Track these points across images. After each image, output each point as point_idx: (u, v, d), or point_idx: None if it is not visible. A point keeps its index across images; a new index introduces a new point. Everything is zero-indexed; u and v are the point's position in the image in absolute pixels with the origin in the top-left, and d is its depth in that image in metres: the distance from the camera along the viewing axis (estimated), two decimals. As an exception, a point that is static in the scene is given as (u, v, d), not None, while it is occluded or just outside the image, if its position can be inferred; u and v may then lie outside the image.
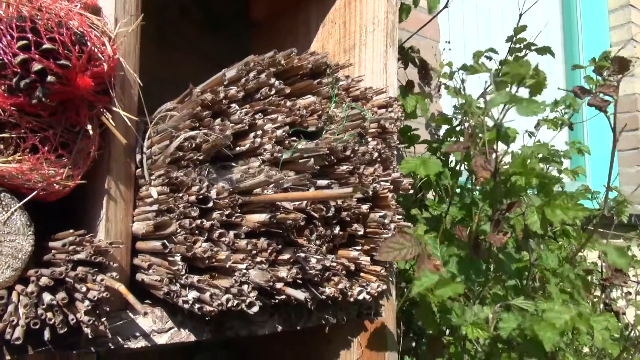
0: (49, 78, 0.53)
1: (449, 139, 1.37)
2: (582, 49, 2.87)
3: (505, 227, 1.01)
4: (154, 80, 1.24)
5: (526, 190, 1.06)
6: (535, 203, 1.00)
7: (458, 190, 1.37)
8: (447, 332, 1.10)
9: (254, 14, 1.28)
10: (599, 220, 1.12)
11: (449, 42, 1.66)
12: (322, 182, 0.70)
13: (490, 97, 1.04)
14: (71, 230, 0.60)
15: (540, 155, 1.45)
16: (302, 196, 0.60)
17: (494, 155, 1.01)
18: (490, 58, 1.38)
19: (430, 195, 1.49)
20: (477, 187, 1.28)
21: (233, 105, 0.68)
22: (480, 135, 1.13)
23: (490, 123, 1.11)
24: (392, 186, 0.80)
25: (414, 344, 1.36)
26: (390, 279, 0.87)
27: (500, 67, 1.35)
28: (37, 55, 0.53)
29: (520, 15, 1.34)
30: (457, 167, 1.36)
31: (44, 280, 0.56)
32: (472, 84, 1.58)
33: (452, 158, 1.41)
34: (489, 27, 2.44)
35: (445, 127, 1.49)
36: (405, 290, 1.30)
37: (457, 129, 1.41)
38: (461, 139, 1.38)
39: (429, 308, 0.94)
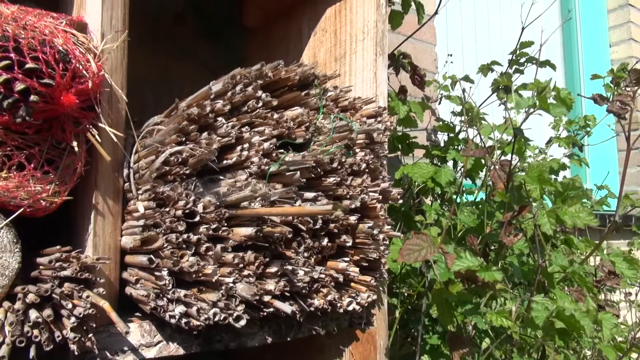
0: (32, 97, 0.54)
1: (451, 147, 1.39)
2: (581, 49, 2.86)
3: (515, 230, 1.07)
4: (149, 86, 1.25)
5: (540, 197, 1.11)
6: (547, 208, 1.05)
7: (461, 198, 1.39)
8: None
9: (248, 21, 1.28)
10: (609, 225, 1.16)
11: (451, 55, 1.66)
12: (309, 195, 0.71)
13: (516, 100, 1.10)
14: (58, 247, 0.60)
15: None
16: (285, 211, 0.61)
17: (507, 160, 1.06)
18: (492, 70, 1.40)
19: (428, 201, 1.49)
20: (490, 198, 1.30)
21: (220, 118, 0.69)
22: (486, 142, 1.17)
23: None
24: (380, 196, 0.80)
25: (419, 345, 1.37)
26: (381, 288, 0.87)
27: (502, 78, 1.37)
28: (20, 75, 0.53)
29: (523, 28, 1.34)
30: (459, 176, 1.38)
31: (30, 297, 0.57)
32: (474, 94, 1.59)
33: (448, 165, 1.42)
34: (488, 36, 2.43)
35: (445, 133, 1.51)
36: (405, 297, 1.31)
37: (460, 136, 1.43)
38: (461, 146, 1.40)
39: (447, 303, 0.97)
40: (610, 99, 1.14)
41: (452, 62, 1.80)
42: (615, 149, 2.87)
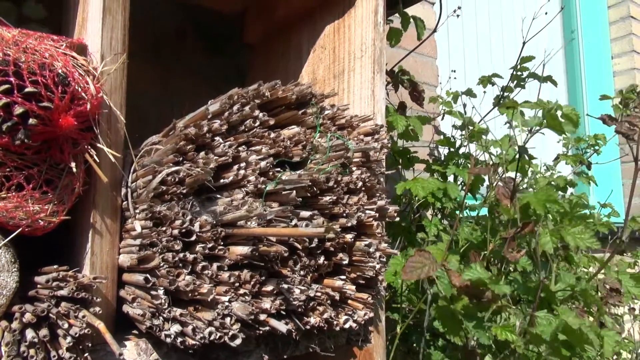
0: (31, 120, 0.55)
1: (451, 162, 1.39)
2: (583, 61, 2.87)
3: (519, 246, 1.09)
4: (150, 101, 1.27)
5: (545, 214, 1.12)
6: (550, 227, 1.06)
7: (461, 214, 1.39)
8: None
9: (249, 37, 1.30)
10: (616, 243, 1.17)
11: (454, 71, 1.67)
12: (305, 214, 0.71)
13: (527, 119, 1.12)
14: (55, 266, 0.61)
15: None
16: (279, 232, 0.61)
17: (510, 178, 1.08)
18: (493, 83, 1.41)
19: (429, 215, 1.50)
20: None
21: (217, 138, 0.69)
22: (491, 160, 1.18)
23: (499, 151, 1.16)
24: (377, 214, 0.80)
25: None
26: (379, 305, 0.87)
27: (502, 92, 1.39)
28: (19, 99, 0.54)
29: (524, 43, 1.35)
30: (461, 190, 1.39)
31: (27, 317, 0.57)
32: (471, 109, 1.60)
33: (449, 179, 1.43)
34: (490, 49, 2.45)
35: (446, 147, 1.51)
36: (406, 313, 1.30)
37: (460, 151, 1.44)
38: (461, 161, 1.41)
39: (453, 317, 0.98)
40: (619, 120, 1.16)
41: (455, 78, 1.82)
42: (619, 160, 2.87)
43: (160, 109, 1.29)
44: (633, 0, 2.85)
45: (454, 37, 2.25)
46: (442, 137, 1.50)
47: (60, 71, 0.58)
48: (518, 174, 1.11)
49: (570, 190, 1.68)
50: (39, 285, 0.60)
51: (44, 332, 0.57)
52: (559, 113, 0.99)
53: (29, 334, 0.56)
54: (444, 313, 0.99)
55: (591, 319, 1.16)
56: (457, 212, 1.32)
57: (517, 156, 1.03)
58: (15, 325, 0.56)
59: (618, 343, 1.03)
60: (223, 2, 1.27)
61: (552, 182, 1.42)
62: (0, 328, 0.57)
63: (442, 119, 1.71)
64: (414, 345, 1.44)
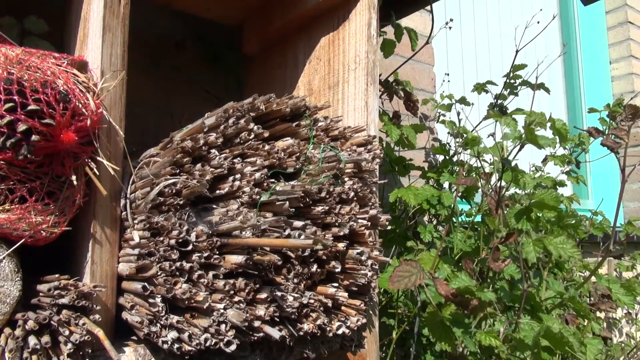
0: (34, 137, 0.57)
1: (445, 169, 1.41)
2: (582, 66, 2.89)
3: (504, 255, 1.10)
4: (150, 110, 1.30)
5: (537, 222, 1.13)
6: (533, 237, 1.08)
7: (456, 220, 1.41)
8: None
9: (247, 48, 1.33)
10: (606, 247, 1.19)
11: (448, 74, 1.69)
12: (298, 223, 0.73)
13: (504, 132, 1.14)
14: (57, 275, 0.63)
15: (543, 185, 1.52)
16: (270, 243, 0.64)
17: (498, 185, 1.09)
18: (487, 91, 1.43)
19: (426, 219, 1.52)
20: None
21: (213, 150, 0.72)
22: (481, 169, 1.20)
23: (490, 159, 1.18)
24: (369, 223, 0.83)
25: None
26: (372, 311, 0.89)
27: (495, 100, 1.41)
28: (22, 116, 0.57)
29: (517, 51, 1.38)
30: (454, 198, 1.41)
31: (30, 324, 0.60)
32: (470, 115, 1.62)
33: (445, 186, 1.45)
34: (488, 56, 2.47)
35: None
36: (402, 318, 1.33)
37: (454, 159, 1.46)
38: (456, 168, 1.43)
39: (442, 324, 1.00)
40: (606, 133, 1.18)
41: (449, 81, 1.84)
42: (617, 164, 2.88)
43: (160, 117, 1.31)
44: (631, 5, 2.87)
45: (452, 44, 2.28)
46: (438, 142, 1.52)
47: (61, 88, 0.61)
48: (504, 185, 1.13)
49: (561, 190, 1.69)
50: (41, 294, 0.63)
51: (45, 339, 0.59)
52: (548, 125, 1.01)
53: (32, 340, 0.59)
54: (432, 320, 1.01)
55: (582, 324, 1.18)
56: (452, 219, 1.35)
57: (501, 167, 1.05)
58: (18, 332, 0.59)
59: (601, 351, 1.05)
60: (222, 13, 1.30)
61: (542, 183, 1.44)
62: (4, 335, 0.60)
63: (438, 121, 1.74)
64: (410, 349, 1.46)
